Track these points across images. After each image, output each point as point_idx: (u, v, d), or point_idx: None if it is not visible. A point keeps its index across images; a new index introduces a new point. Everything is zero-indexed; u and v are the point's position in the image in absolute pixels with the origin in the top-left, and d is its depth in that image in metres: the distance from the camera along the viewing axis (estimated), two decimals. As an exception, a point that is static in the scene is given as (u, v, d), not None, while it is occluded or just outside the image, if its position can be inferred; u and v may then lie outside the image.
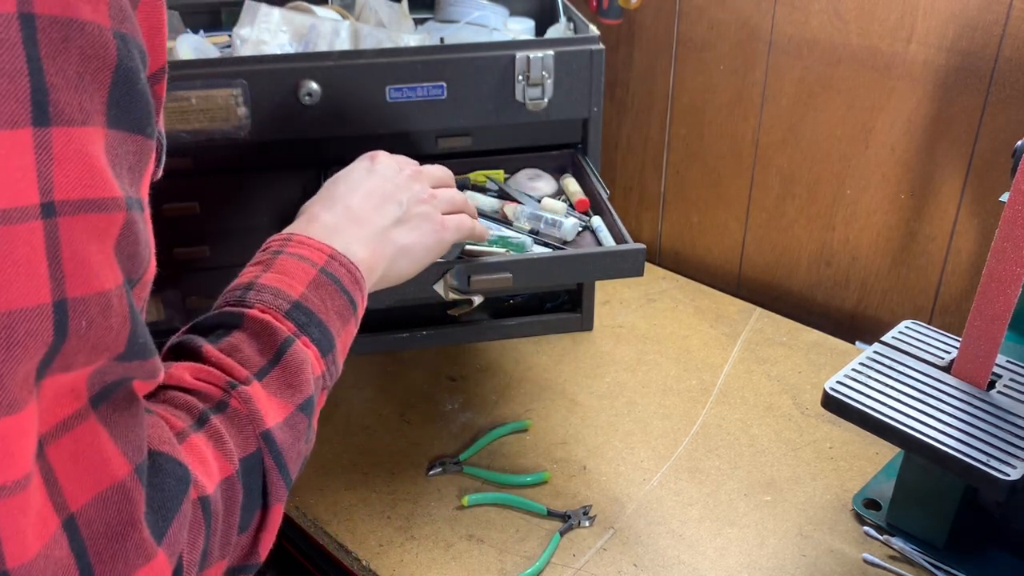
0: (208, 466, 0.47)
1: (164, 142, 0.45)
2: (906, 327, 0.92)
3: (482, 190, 1.05)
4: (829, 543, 0.88)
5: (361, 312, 0.65)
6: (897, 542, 0.86)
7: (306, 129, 1.00)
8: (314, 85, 0.97)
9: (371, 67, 0.98)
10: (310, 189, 1.08)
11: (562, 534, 0.89)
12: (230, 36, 1.11)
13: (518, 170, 1.09)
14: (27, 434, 0.35)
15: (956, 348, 0.84)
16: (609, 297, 1.28)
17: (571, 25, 1.14)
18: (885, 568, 0.85)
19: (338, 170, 0.78)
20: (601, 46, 1.03)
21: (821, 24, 1.13)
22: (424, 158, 1.09)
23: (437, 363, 1.15)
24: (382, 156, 0.79)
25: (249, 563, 0.52)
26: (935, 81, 1.05)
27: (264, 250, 0.64)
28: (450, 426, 1.04)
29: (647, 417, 1.05)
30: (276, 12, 1.08)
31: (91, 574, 0.37)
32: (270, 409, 0.52)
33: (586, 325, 1.21)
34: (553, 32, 1.15)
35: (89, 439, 0.38)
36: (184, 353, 0.54)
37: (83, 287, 0.35)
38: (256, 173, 1.04)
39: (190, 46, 1.06)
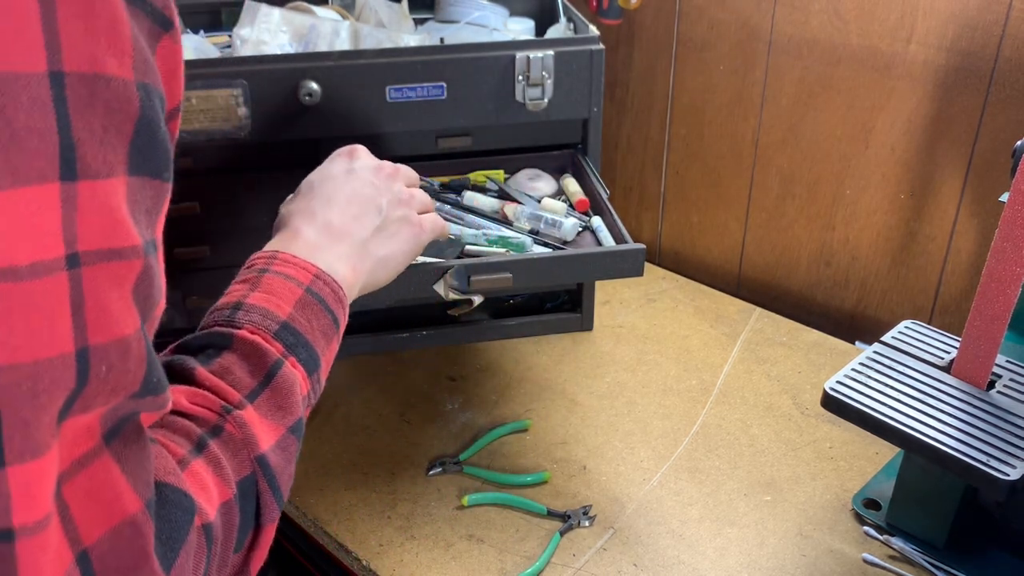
0: (209, 492, 0.48)
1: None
2: (906, 327, 0.92)
3: (482, 190, 1.05)
4: (829, 543, 0.88)
5: (343, 330, 0.66)
6: (897, 542, 0.86)
7: (306, 129, 1.00)
8: (314, 85, 0.97)
9: (371, 67, 0.98)
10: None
11: (562, 534, 0.89)
12: (230, 36, 1.11)
13: (518, 170, 1.09)
14: (49, 476, 0.36)
15: (956, 348, 0.84)
16: (609, 297, 1.28)
17: (571, 25, 1.14)
18: (885, 568, 0.85)
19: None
20: (601, 46, 1.03)
21: (821, 24, 1.13)
22: (424, 158, 1.09)
23: (437, 363, 1.15)
24: (361, 152, 0.79)
25: None
26: (935, 81, 1.05)
27: (249, 267, 0.65)
28: (450, 426, 1.04)
29: (647, 417, 1.05)
30: (276, 12, 1.08)
31: None
32: (263, 432, 0.53)
33: (586, 325, 1.21)
34: (553, 32, 1.15)
35: (103, 476, 0.39)
36: (176, 375, 0.54)
37: (104, 334, 0.37)
38: (256, 173, 1.04)
39: (190, 46, 1.06)
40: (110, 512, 0.39)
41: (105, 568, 0.38)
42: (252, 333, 0.57)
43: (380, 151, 1.08)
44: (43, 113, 0.34)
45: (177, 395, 0.52)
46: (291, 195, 0.77)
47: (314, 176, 0.77)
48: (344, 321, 0.66)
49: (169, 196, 0.42)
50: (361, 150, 0.80)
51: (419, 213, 0.79)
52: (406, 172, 0.81)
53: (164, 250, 0.43)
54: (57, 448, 0.36)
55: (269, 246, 0.68)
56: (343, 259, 0.69)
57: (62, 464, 0.37)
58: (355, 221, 0.72)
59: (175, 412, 0.51)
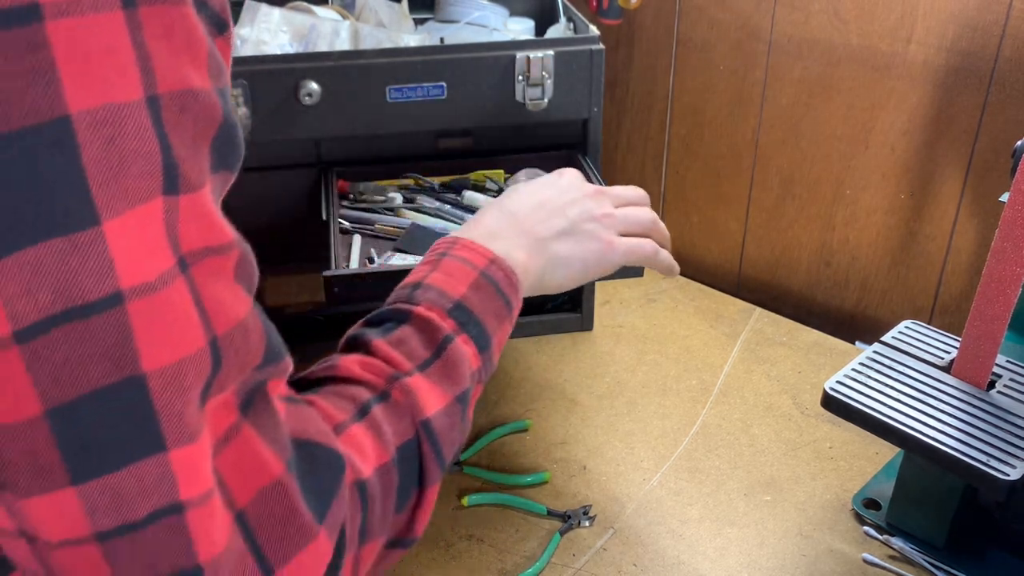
0: (366, 455, 0.51)
1: None
2: (906, 327, 0.92)
3: (482, 190, 1.05)
4: (829, 543, 0.88)
5: (516, 313, 0.68)
6: (897, 542, 0.86)
7: (306, 129, 1.00)
8: (314, 85, 0.97)
9: (371, 67, 0.98)
10: (310, 189, 1.08)
11: (562, 534, 0.89)
12: (230, 36, 1.11)
13: (518, 170, 1.09)
14: (206, 454, 0.40)
15: (956, 348, 0.84)
16: (609, 297, 1.28)
17: (571, 25, 1.14)
18: (885, 568, 0.85)
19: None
20: (601, 46, 1.03)
21: (821, 24, 1.13)
22: (424, 158, 1.09)
23: (437, 363, 1.15)
24: (570, 172, 0.79)
25: (406, 538, 0.56)
26: (935, 81, 1.05)
27: (433, 251, 0.68)
28: (450, 426, 1.04)
29: (647, 417, 1.05)
30: (276, 12, 1.08)
31: (262, 556, 0.43)
32: (430, 398, 0.57)
33: (586, 325, 1.21)
34: (553, 32, 1.15)
35: (245, 447, 0.43)
36: (357, 345, 0.59)
37: (226, 323, 0.41)
38: (256, 173, 1.04)
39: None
40: (258, 476, 0.43)
41: (260, 524, 0.43)
42: (428, 310, 0.61)
43: (380, 151, 1.09)
44: (146, 137, 0.37)
45: (351, 363, 0.56)
46: None
47: (519, 183, 0.79)
48: (517, 305, 0.68)
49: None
50: (571, 171, 0.80)
51: (630, 234, 0.77)
52: (621, 193, 0.80)
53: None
54: (208, 430, 0.40)
55: (455, 232, 0.71)
56: (520, 248, 0.70)
57: (212, 442, 0.41)
58: (540, 222, 0.73)
59: (348, 379, 0.55)
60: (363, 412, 0.53)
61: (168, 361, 0.38)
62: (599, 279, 0.78)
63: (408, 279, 0.65)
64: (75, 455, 0.37)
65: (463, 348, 0.61)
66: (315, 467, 0.46)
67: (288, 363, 0.47)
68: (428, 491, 0.56)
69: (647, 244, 0.78)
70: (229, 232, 0.42)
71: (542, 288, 0.74)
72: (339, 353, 0.59)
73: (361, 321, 0.63)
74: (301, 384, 0.56)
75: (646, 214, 0.79)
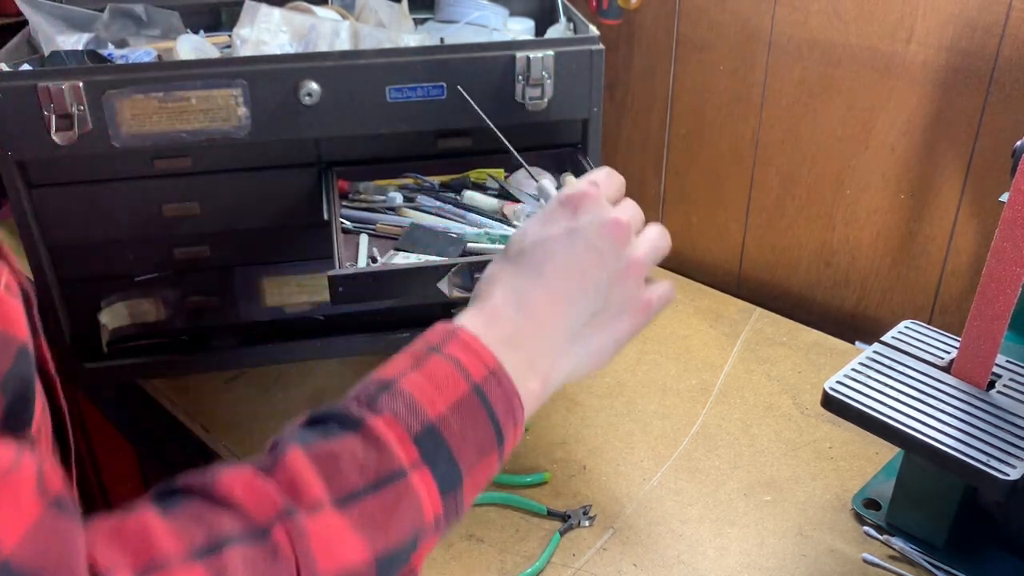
0: None
1: None
2: (906, 327, 0.92)
3: (482, 189, 1.05)
4: (829, 543, 0.88)
5: (508, 447, 0.53)
6: (897, 542, 0.86)
7: (306, 129, 1.00)
8: (314, 85, 0.97)
9: (371, 67, 0.98)
10: (310, 189, 1.08)
11: (562, 534, 0.89)
12: (230, 36, 1.11)
13: (518, 170, 1.09)
14: None
15: (956, 348, 0.84)
16: (609, 297, 1.28)
17: (571, 25, 1.14)
18: (885, 568, 0.85)
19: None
20: (601, 46, 1.03)
21: (821, 24, 1.13)
22: (424, 158, 1.09)
23: (437, 363, 1.15)
24: (588, 203, 0.59)
25: None
26: (935, 81, 1.05)
27: (424, 339, 0.54)
28: (450, 426, 1.04)
29: (647, 417, 1.05)
30: (276, 12, 1.08)
31: None
32: (337, 548, 0.42)
33: (586, 325, 1.20)
34: (553, 32, 1.15)
35: None
36: (273, 448, 0.46)
37: None
38: (256, 173, 1.04)
39: (190, 46, 1.06)
40: None
41: None
42: (387, 426, 0.47)
43: (380, 151, 1.09)
44: None
45: (234, 479, 0.43)
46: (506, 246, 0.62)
47: (529, 230, 0.60)
48: (513, 439, 0.53)
49: None
50: (590, 200, 0.59)
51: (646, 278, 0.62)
52: (637, 217, 0.62)
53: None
54: None
55: (460, 317, 0.56)
56: (535, 365, 0.55)
57: None
58: (567, 304, 0.57)
59: (220, 500, 0.42)
60: (212, 550, 0.39)
61: None
62: None
63: (382, 370, 0.51)
64: None
65: (417, 489, 0.47)
66: None
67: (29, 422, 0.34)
68: None
69: (671, 288, 0.63)
70: None
71: (560, 386, 0.59)
72: (251, 457, 0.45)
73: (306, 415, 0.49)
74: (166, 493, 0.42)
75: (656, 233, 0.63)
